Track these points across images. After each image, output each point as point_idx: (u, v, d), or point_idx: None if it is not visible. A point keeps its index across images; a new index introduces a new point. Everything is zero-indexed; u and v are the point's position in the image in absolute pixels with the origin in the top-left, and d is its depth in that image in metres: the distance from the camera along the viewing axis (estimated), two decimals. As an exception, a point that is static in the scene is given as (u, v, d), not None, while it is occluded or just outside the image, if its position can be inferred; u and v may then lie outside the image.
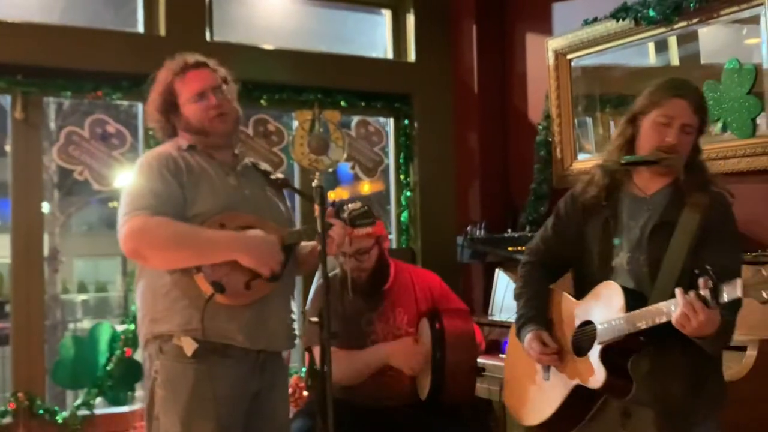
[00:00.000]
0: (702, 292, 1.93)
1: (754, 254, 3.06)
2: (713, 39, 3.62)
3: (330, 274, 3.25)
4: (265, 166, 2.76)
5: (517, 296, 2.53)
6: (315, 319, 2.31)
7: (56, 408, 3.85)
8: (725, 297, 1.90)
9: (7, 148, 3.93)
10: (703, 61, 3.69)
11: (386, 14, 4.89)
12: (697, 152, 2.32)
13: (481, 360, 3.24)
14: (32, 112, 3.87)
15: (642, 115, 2.31)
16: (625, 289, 2.20)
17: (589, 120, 4.16)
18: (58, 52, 3.84)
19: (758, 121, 3.30)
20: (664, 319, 2.04)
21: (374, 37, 4.94)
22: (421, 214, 4.73)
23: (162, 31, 4.10)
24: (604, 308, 2.23)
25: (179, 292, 2.41)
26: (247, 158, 2.71)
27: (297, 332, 2.64)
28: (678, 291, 1.98)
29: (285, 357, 2.67)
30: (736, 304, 2.00)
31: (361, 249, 3.17)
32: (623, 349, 2.19)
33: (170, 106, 2.55)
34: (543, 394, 2.45)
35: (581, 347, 2.32)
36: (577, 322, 2.35)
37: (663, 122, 2.25)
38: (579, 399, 2.32)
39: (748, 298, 1.88)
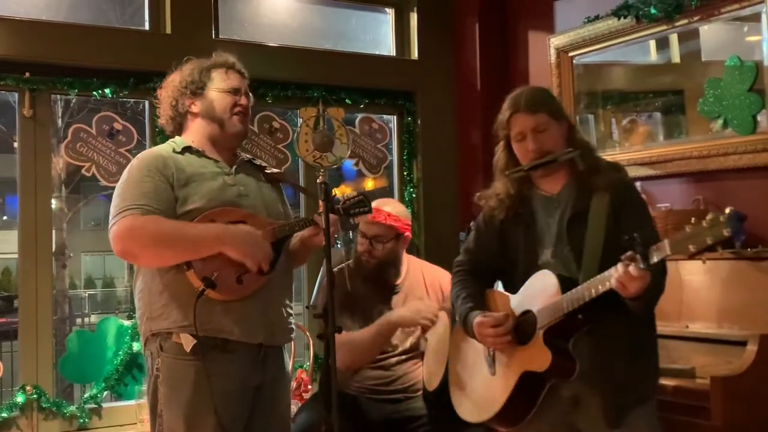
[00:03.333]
0: (634, 258, 2.07)
1: (755, 250, 3.07)
2: (714, 36, 3.64)
3: (339, 267, 3.29)
4: (260, 161, 2.79)
5: (454, 299, 2.63)
6: (319, 313, 2.34)
7: (64, 401, 3.88)
8: (655, 258, 2.04)
9: (16, 145, 3.96)
10: (704, 59, 3.70)
11: (390, 12, 4.91)
12: (572, 132, 2.50)
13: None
14: (40, 109, 3.89)
15: (509, 140, 2.51)
16: (559, 275, 2.33)
17: (590, 117, 4.18)
18: (65, 49, 3.87)
19: (759, 117, 3.32)
20: (600, 291, 2.18)
21: (378, 35, 4.96)
22: (424, 211, 4.76)
23: (168, 29, 4.13)
24: (541, 295, 2.35)
25: (173, 289, 2.44)
26: (244, 155, 2.73)
27: (293, 326, 2.68)
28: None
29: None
30: (662, 265, 2.19)
31: (379, 236, 3.20)
32: (564, 330, 2.30)
33: (197, 87, 2.59)
34: (490, 389, 2.51)
35: (523, 336, 2.40)
36: (517, 313, 2.44)
37: (519, 139, 2.46)
38: (526, 388, 2.40)
39: (677, 254, 2.02)
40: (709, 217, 1.91)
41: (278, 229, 2.52)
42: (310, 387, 3.99)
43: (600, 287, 2.19)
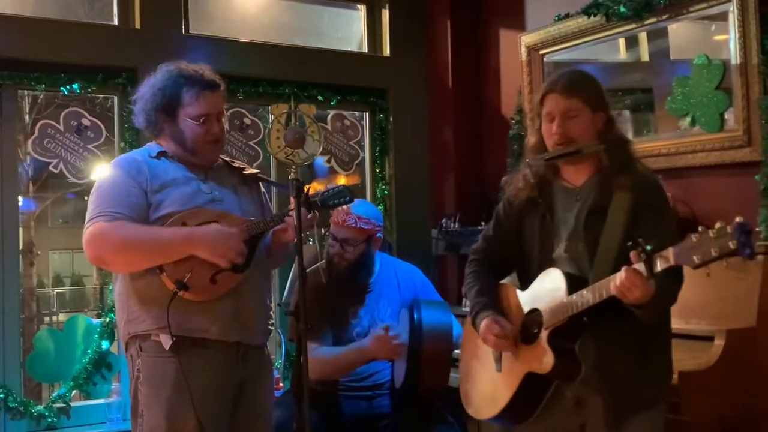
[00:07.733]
0: (636, 266, 2.04)
1: (722, 246, 3.10)
2: (682, 35, 3.68)
3: (312, 267, 3.29)
4: (238, 162, 2.77)
5: (468, 290, 2.59)
6: (291, 311, 2.34)
7: (32, 401, 3.83)
8: (659, 267, 2.01)
9: (-19, 141, 3.90)
10: (672, 57, 3.74)
11: (362, 9, 4.90)
12: (610, 125, 2.41)
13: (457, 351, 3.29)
14: (6, 105, 3.83)
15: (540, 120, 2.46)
16: (567, 274, 2.29)
17: (561, 114, 4.21)
18: (32, 44, 3.81)
19: (726, 115, 3.35)
20: (605, 296, 2.14)
21: (350, 31, 4.95)
22: (397, 207, 4.75)
23: (137, 24, 4.07)
24: (548, 294, 2.32)
25: (149, 293, 2.44)
26: (222, 157, 2.71)
27: (270, 326, 2.67)
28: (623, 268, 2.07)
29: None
30: (675, 274, 2.12)
31: (349, 239, 3.21)
32: (570, 332, 2.26)
33: (169, 108, 2.53)
34: (496, 386, 2.50)
35: (529, 335, 2.38)
36: (524, 311, 2.43)
37: (548, 120, 2.39)
38: (531, 387, 2.38)
39: (681, 264, 1.98)
40: (716, 226, 1.84)
41: (252, 226, 2.51)
42: (282, 385, 3.99)
43: (604, 292, 2.14)
